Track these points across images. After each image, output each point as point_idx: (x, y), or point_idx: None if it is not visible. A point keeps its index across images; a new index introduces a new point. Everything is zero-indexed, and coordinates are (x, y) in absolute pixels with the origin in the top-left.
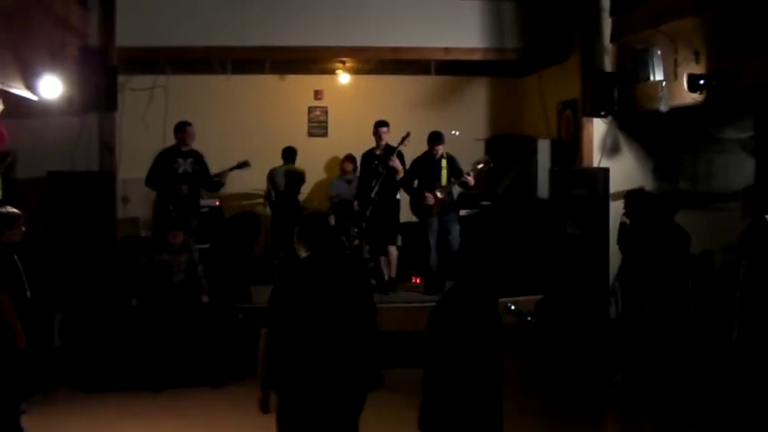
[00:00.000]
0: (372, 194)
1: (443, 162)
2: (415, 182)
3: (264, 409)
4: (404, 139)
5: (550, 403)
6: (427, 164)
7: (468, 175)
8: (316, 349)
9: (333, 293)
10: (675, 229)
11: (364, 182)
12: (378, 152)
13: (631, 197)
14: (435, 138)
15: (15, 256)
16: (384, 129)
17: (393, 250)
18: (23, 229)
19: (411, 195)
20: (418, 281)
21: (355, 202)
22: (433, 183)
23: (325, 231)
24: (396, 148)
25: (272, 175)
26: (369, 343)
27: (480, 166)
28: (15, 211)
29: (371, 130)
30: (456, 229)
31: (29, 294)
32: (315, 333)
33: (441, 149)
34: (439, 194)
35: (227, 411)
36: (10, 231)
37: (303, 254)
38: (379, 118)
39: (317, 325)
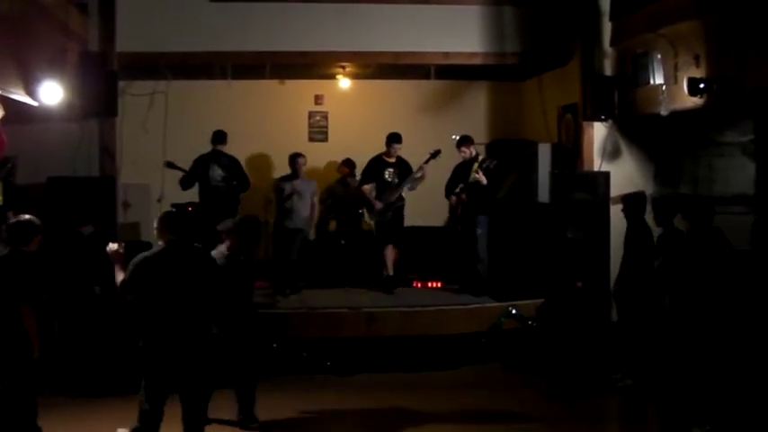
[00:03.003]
0: (393, 198)
1: (475, 165)
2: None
3: None
4: (433, 155)
5: (553, 407)
6: (463, 168)
7: (477, 174)
8: (162, 315)
9: (180, 273)
10: (675, 232)
11: (379, 185)
12: (389, 160)
13: (629, 201)
14: (458, 142)
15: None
16: (398, 146)
17: (395, 251)
18: (40, 237)
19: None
20: (419, 285)
21: (378, 204)
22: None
23: (183, 224)
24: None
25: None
26: (209, 313)
27: (486, 164)
28: (35, 219)
29: (372, 134)
30: (480, 234)
31: (44, 300)
32: (162, 303)
33: (467, 151)
34: (462, 196)
35: (227, 414)
36: (37, 238)
37: (161, 241)
38: (379, 122)
39: (164, 297)
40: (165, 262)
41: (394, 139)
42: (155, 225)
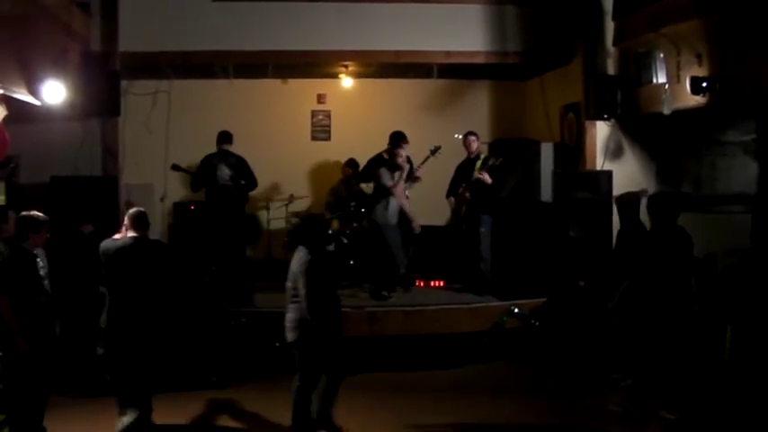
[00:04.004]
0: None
1: (477, 163)
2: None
3: None
4: (433, 152)
5: (554, 406)
6: (466, 167)
7: (481, 174)
8: (123, 298)
9: (143, 262)
10: (678, 231)
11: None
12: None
13: (623, 202)
14: (467, 133)
15: (39, 260)
16: (407, 146)
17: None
18: (48, 235)
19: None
20: (422, 284)
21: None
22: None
23: (146, 222)
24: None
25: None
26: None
27: (491, 162)
28: (42, 215)
29: (375, 133)
30: (484, 234)
31: (43, 299)
32: (124, 289)
33: (475, 143)
34: (466, 194)
35: (230, 414)
36: (36, 236)
37: (131, 234)
38: (381, 121)
39: (129, 286)
40: (132, 254)
41: (402, 138)
42: (125, 222)
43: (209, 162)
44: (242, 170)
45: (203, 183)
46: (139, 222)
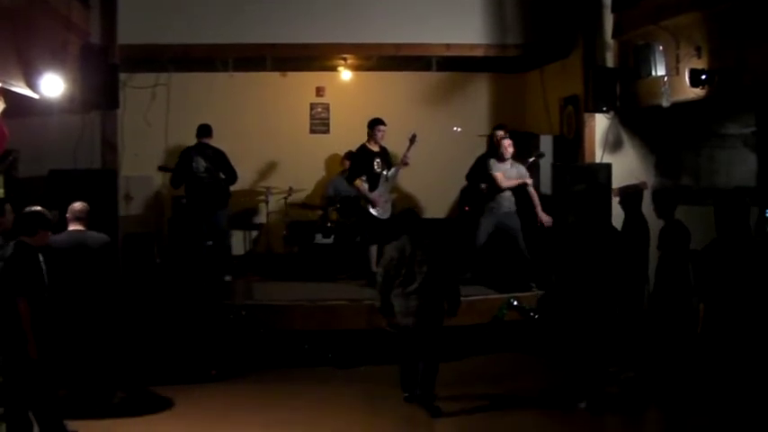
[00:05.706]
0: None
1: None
2: None
3: None
4: (412, 141)
5: (552, 400)
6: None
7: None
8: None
9: (85, 258)
10: (676, 224)
11: (369, 177)
12: (374, 149)
13: (628, 194)
14: (500, 127)
15: (40, 257)
16: (384, 128)
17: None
18: (49, 232)
19: (474, 193)
20: None
21: (377, 200)
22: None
23: (88, 216)
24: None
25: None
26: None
27: (531, 159)
28: (47, 212)
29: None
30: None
31: (46, 295)
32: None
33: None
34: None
35: (229, 407)
36: (45, 233)
37: (72, 228)
38: (381, 114)
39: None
40: (73, 250)
41: (381, 122)
42: (66, 214)
43: (187, 155)
44: (219, 163)
45: (182, 176)
46: (82, 216)
